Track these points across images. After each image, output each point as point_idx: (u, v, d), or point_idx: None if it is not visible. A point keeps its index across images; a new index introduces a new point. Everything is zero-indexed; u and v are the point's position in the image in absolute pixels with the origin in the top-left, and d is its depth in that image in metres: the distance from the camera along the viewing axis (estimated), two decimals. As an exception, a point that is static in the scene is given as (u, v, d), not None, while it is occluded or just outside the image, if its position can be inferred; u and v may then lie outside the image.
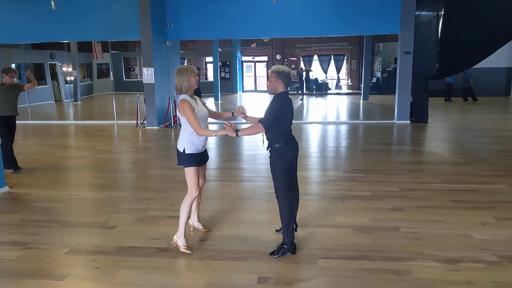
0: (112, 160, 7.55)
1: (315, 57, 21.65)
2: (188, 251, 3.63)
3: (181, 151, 3.63)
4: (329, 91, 21.00)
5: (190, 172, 3.64)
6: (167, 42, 11.57)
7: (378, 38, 20.21)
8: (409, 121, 11.19)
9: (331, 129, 10.76)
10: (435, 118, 11.71)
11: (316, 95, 19.92)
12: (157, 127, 11.03)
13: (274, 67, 3.55)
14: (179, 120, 11.10)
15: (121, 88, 17.30)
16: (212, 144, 8.92)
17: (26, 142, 9.61)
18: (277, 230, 3.98)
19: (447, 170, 6.39)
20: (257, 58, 24.12)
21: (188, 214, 3.71)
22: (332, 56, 21.07)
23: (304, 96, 18.39)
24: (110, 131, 10.93)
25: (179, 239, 3.69)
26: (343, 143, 9.06)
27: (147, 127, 11.06)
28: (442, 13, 10.49)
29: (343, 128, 10.83)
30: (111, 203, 4.99)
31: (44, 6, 10.64)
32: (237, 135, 3.45)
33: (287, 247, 3.56)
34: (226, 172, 6.57)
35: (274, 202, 4.87)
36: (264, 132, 3.56)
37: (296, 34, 12.63)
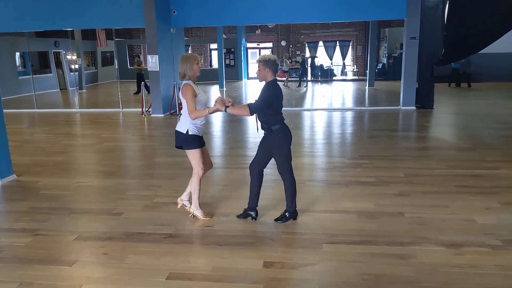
0: (118, 148, 7.61)
1: (320, 43, 21.47)
2: (207, 218, 4.06)
3: (184, 132, 3.85)
4: (334, 78, 20.86)
5: (195, 154, 3.90)
6: (172, 29, 11.52)
7: (384, 24, 19.97)
8: (414, 107, 11.13)
9: (336, 115, 10.74)
10: (441, 104, 11.63)
11: (321, 82, 19.81)
12: (162, 115, 11.06)
13: (261, 56, 3.76)
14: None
15: (125, 76, 17.28)
16: (217, 132, 8.95)
17: (33, 130, 9.70)
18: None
19: (452, 156, 6.39)
20: (262, 45, 23.95)
21: (199, 189, 4.02)
22: (337, 42, 20.87)
23: (308, 83, 18.23)
24: (116, 119, 10.98)
25: (196, 211, 4.07)
26: (349, 129, 9.05)
27: (152, 115, 11.09)
28: (449, -3, 10.34)
29: (349, 115, 10.80)
30: (118, 190, 5.05)
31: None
32: (225, 111, 3.70)
33: (290, 214, 3.95)
34: (232, 159, 6.60)
35: (279, 189, 4.91)
36: (258, 119, 3.87)
37: (301, 20, 12.50)
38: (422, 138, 7.96)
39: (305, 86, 17.77)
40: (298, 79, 18.58)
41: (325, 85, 19.23)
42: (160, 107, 11.06)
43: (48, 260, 3.36)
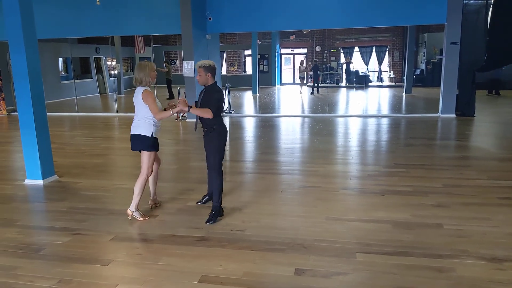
0: (154, 151, 7.75)
1: (356, 48, 21.19)
2: (145, 218, 4.26)
3: (149, 135, 4.13)
4: (370, 84, 20.52)
5: (150, 156, 4.18)
6: (207, 36, 11.70)
7: (423, 29, 19.48)
8: (454, 115, 10.77)
9: (371, 122, 10.55)
10: (482, 112, 11.20)
11: (357, 88, 19.54)
12: (196, 120, 11.21)
13: (200, 63, 4.06)
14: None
15: (162, 82, 17.71)
16: (249, 137, 8.98)
17: (74, 133, 10.07)
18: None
19: (494, 166, 6.12)
20: (296, 51, 23.89)
21: (143, 191, 4.27)
22: (373, 47, 20.54)
23: (317, 89, 17.90)
24: (152, 123, 11.22)
25: (135, 212, 4.26)
26: (384, 137, 8.86)
27: (187, 120, 11.27)
28: (492, 1, 9.98)
29: (384, 122, 10.58)
30: (153, 193, 5.14)
31: (89, 1, 11.10)
32: (188, 111, 4.02)
33: (216, 212, 4.18)
34: (264, 164, 6.60)
35: (311, 196, 4.89)
36: (197, 119, 4.20)
37: (336, 25, 12.40)
38: (462, 147, 7.68)
39: (310, 93, 17.53)
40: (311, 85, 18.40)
41: (360, 91, 18.94)
42: (195, 112, 11.22)
43: (86, 258, 3.47)
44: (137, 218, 4.25)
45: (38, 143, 5.58)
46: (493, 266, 3.19)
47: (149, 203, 4.59)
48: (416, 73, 19.60)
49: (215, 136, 4.13)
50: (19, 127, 5.59)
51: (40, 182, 5.61)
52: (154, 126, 4.16)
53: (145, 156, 4.16)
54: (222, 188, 4.23)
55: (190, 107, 4.02)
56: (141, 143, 4.15)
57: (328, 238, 3.76)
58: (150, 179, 4.45)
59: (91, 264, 3.38)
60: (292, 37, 22.09)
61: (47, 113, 5.85)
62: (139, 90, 4.15)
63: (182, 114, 11.92)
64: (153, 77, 4.15)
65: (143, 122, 4.14)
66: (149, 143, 4.14)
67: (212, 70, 4.07)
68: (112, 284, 3.05)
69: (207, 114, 3.99)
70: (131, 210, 4.26)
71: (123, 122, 11.46)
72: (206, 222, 4.13)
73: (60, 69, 17.79)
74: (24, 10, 5.29)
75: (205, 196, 4.68)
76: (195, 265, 3.31)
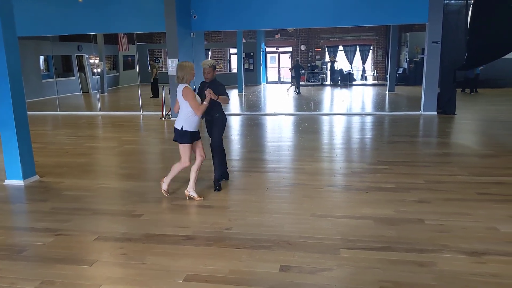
0: (139, 150, 7.71)
1: (340, 47, 21.36)
2: (200, 198, 4.74)
3: (179, 128, 4.59)
4: (354, 82, 20.72)
5: (186, 148, 4.66)
6: (192, 34, 11.65)
7: (405, 28, 19.74)
8: (436, 113, 10.96)
9: (355, 120, 10.65)
10: (463, 110, 11.42)
11: (341, 86, 19.70)
12: (181, 118, 11.15)
13: (208, 63, 4.89)
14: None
15: (146, 80, 17.57)
16: (235, 136, 8.98)
17: (56, 132, 9.92)
18: (215, 190, 5.10)
19: (474, 163, 6.25)
20: (281, 49, 23.95)
21: (176, 173, 4.84)
22: (357, 46, 20.73)
23: (298, 88, 17.90)
24: (136, 122, 11.14)
25: (192, 192, 4.78)
26: (368, 134, 8.96)
27: (172, 118, 11.21)
28: (472, 1, 10.17)
29: (368, 120, 10.70)
30: (138, 192, 5.12)
31: (72, -1, 10.96)
32: (217, 99, 4.68)
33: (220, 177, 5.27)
34: (250, 162, 6.61)
35: (297, 193, 4.92)
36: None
37: (321, 24, 12.47)
38: (444, 144, 7.82)
39: (294, 91, 17.54)
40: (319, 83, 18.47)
41: (344, 90, 19.11)
42: (179, 110, 11.17)
43: (69, 259, 3.43)
44: (195, 198, 4.76)
45: (19, 143, 5.47)
46: (473, 259, 3.27)
47: (185, 193, 4.86)
48: (399, 72, 19.87)
49: (220, 121, 5.05)
50: (-1, 126, 5.48)
51: (21, 182, 5.52)
52: (186, 122, 4.57)
53: (181, 147, 4.68)
54: (224, 161, 5.32)
55: (218, 96, 4.71)
56: (175, 134, 4.67)
57: (313, 234, 3.80)
58: (194, 166, 4.81)
59: (74, 264, 3.34)
60: (277, 36, 22.15)
61: (28, 112, 5.75)
62: (180, 87, 4.61)
63: (167, 113, 11.82)
64: (192, 76, 4.62)
65: (179, 116, 4.64)
66: (179, 135, 4.60)
67: (215, 68, 4.98)
68: (96, 285, 3.03)
69: (228, 100, 4.89)
70: (188, 191, 4.80)
71: (107, 121, 11.34)
72: (215, 190, 5.07)
73: (41, 67, 17.48)
74: (3, 6, 5.18)
75: (216, 181, 5.17)
76: (181, 264, 3.30)
